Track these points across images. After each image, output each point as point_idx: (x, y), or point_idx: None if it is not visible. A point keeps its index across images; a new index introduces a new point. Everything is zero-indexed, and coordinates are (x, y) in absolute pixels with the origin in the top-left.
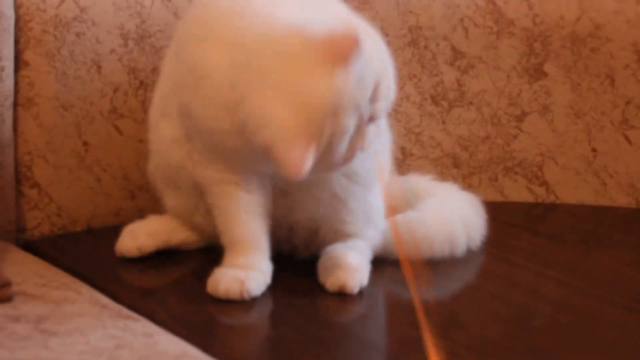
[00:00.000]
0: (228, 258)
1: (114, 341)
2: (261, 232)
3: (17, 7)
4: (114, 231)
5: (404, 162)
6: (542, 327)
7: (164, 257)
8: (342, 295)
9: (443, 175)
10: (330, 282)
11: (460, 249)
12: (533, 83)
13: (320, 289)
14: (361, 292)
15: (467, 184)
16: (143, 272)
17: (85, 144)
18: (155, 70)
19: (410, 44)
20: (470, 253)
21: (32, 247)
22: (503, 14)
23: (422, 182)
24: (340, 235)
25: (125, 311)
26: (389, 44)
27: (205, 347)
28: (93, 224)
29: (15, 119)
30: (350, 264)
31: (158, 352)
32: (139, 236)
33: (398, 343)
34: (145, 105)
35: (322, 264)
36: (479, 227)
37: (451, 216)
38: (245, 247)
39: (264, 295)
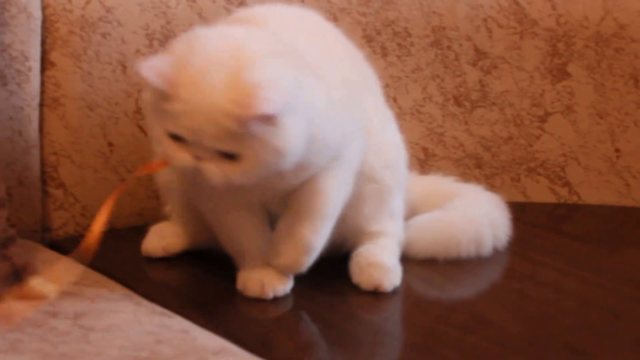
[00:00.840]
0: (248, 260)
1: (153, 337)
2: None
3: (43, 8)
4: (138, 231)
5: (426, 163)
6: (568, 323)
7: (187, 255)
8: (371, 293)
9: (465, 175)
10: (366, 281)
11: (486, 248)
12: (556, 83)
13: (349, 287)
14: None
15: (490, 185)
16: (168, 271)
17: (110, 144)
18: None
19: (434, 44)
20: (495, 252)
21: (58, 246)
22: (527, 14)
23: (446, 183)
24: (367, 235)
25: (158, 308)
26: (412, 44)
27: (240, 343)
28: (117, 224)
29: (41, 120)
30: (386, 264)
31: (197, 347)
32: (166, 236)
33: (424, 337)
34: None
35: (355, 264)
36: (504, 227)
37: (477, 216)
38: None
39: (293, 293)
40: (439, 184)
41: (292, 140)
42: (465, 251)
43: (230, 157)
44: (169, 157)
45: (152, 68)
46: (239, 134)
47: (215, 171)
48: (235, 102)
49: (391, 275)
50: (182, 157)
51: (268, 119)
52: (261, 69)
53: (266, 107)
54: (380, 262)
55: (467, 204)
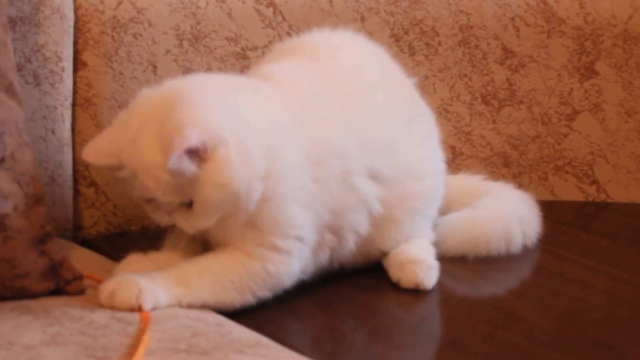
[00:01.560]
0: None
1: (189, 330)
2: None
3: (76, 9)
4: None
5: (453, 162)
6: (597, 319)
7: None
8: (405, 290)
9: (493, 174)
10: (407, 278)
11: (515, 246)
12: (584, 82)
13: (382, 284)
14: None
15: (517, 184)
16: None
17: None
18: (209, 71)
19: (461, 43)
20: (525, 250)
21: (89, 244)
22: (554, 12)
23: (475, 181)
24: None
25: None
26: (439, 43)
27: (274, 337)
28: (148, 224)
29: (74, 119)
30: (427, 261)
31: (232, 340)
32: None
33: (456, 332)
34: None
35: (396, 262)
36: (534, 225)
37: (507, 214)
38: None
39: (326, 288)
40: (468, 182)
41: (234, 172)
42: (495, 249)
43: (189, 205)
44: (150, 216)
45: (93, 151)
46: (181, 182)
47: (184, 222)
48: (162, 152)
49: (432, 273)
50: (158, 215)
51: (196, 155)
52: (182, 111)
53: (185, 142)
54: (422, 260)
55: (497, 202)
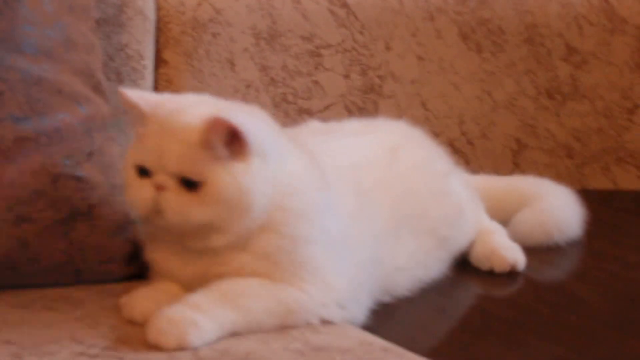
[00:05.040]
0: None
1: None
2: None
3: (157, 10)
4: None
5: (519, 154)
6: None
7: None
8: (478, 275)
9: (557, 165)
10: (500, 262)
11: (574, 234)
12: None
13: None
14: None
15: (580, 174)
16: None
17: None
18: (284, 68)
19: (527, 41)
20: (586, 237)
21: None
22: (616, 12)
23: (521, 183)
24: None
25: None
26: (506, 41)
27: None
28: None
29: None
30: (514, 244)
31: (363, 341)
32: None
33: (523, 315)
34: (275, 101)
35: (479, 252)
36: (579, 215)
37: (559, 206)
38: None
39: None
40: (517, 184)
41: (256, 186)
42: (556, 238)
43: (191, 186)
44: (130, 192)
45: (136, 92)
46: (202, 157)
47: (174, 203)
48: (203, 120)
49: (521, 254)
50: (143, 192)
51: (234, 142)
52: (241, 114)
53: (236, 119)
54: (512, 245)
55: (549, 196)
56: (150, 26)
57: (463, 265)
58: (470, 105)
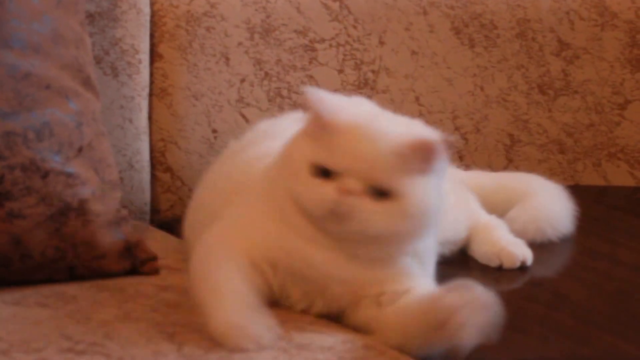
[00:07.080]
0: None
1: None
2: None
3: (152, 4)
4: None
5: (511, 149)
6: None
7: None
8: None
9: (549, 160)
10: (510, 259)
11: (565, 231)
12: (636, 72)
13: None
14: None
15: (572, 169)
16: None
17: (214, 131)
18: (279, 62)
19: (519, 35)
20: (577, 234)
21: (166, 227)
22: (607, 7)
23: (512, 178)
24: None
25: None
26: (498, 36)
27: None
28: None
29: (150, 108)
30: (518, 239)
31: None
32: None
33: (513, 313)
34: (269, 95)
35: (487, 251)
36: (570, 212)
37: (551, 203)
38: None
39: None
40: (509, 180)
41: (438, 201)
42: (549, 235)
43: (379, 195)
44: (306, 191)
45: (320, 95)
46: (400, 169)
47: (362, 209)
48: (410, 130)
49: (529, 250)
50: (325, 189)
51: (428, 165)
52: (433, 132)
53: (439, 146)
54: (517, 240)
55: (541, 193)
56: (145, 20)
57: (451, 263)
58: (463, 100)
